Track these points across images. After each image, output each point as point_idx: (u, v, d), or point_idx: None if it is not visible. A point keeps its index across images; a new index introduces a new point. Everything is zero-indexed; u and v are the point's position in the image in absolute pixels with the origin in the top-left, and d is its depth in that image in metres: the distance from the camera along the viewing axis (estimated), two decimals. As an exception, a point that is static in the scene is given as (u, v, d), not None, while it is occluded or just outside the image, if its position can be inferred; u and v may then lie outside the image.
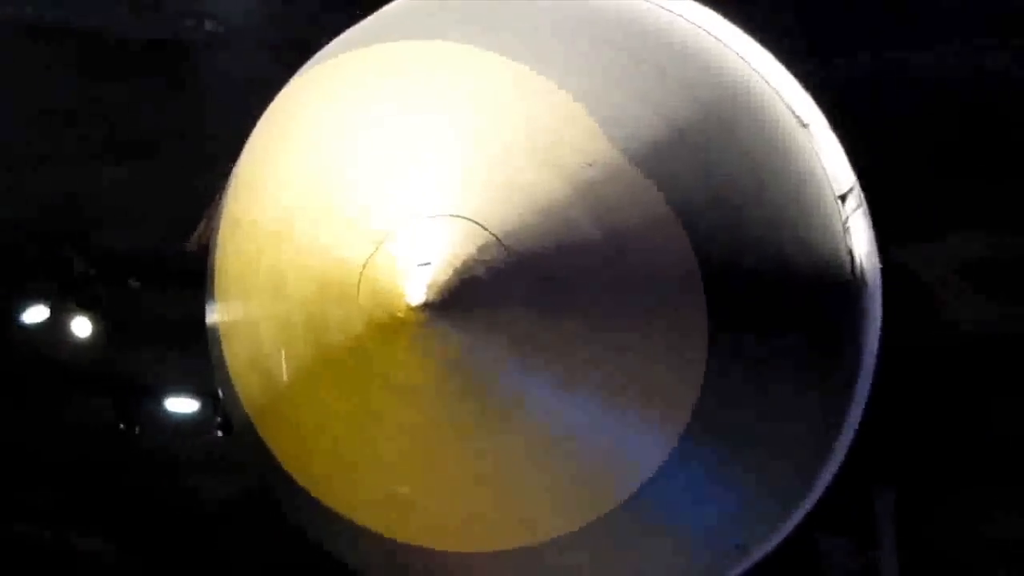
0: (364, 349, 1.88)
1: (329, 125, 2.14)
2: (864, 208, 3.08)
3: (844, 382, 2.50)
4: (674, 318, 1.98)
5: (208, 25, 6.36)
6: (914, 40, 6.45)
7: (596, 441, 2.01)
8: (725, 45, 2.51)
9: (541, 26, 2.25)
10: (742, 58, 2.51)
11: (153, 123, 6.31)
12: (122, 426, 7.59)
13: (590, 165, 1.94)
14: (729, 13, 2.71)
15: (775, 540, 2.92)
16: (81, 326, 7.14)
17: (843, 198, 2.54)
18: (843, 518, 6.77)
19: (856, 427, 3.09)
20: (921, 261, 6.89)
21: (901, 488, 6.58)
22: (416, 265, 1.79)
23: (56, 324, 7.20)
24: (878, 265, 3.05)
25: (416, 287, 1.79)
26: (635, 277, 1.94)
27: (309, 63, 2.44)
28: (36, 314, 7.18)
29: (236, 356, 2.22)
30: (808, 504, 2.96)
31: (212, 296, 2.29)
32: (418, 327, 1.78)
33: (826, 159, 2.53)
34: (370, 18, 2.45)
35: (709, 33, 2.51)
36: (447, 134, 1.99)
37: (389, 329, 1.80)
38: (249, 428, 2.25)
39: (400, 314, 1.80)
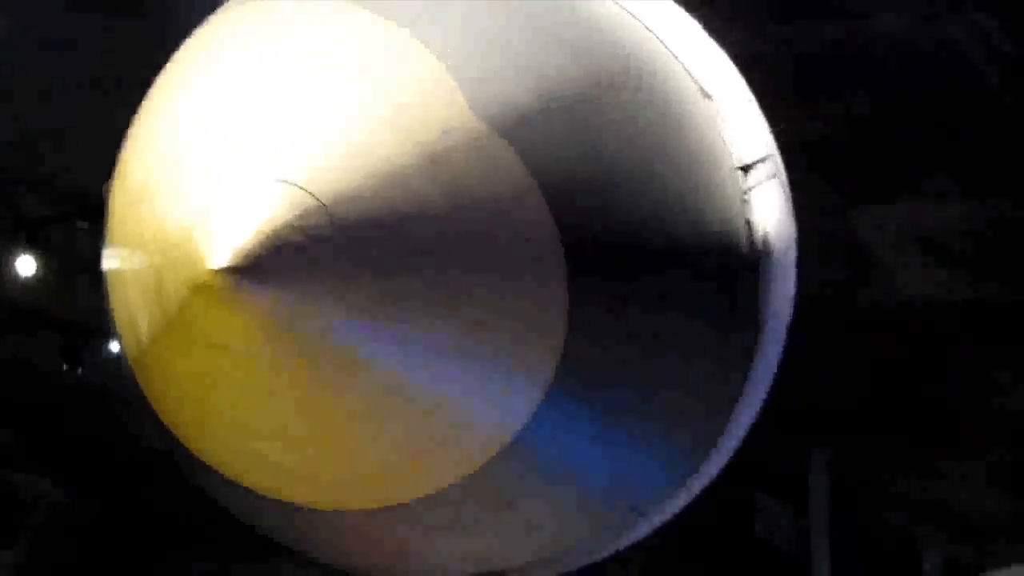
0: (188, 312, 1.92)
1: (195, 84, 2.17)
2: (781, 178, 3.13)
3: (742, 347, 2.54)
4: (530, 284, 2.02)
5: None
6: (875, 5, 6.50)
7: (452, 399, 2.04)
8: (628, 13, 2.53)
9: None
10: (645, 27, 2.52)
11: (124, 60, 6.34)
12: (66, 366, 7.62)
13: (445, 132, 1.96)
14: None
15: (677, 505, 2.98)
16: (27, 265, 7.15)
17: (746, 169, 2.57)
18: (779, 479, 6.86)
19: (765, 392, 3.16)
20: (873, 226, 6.95)
21: (836, 450, 6.66)
22: (226, 229, 1.81)
23: (1, 262, 7.21)
24: (792, 234, 3.10)
25: (221, 251, 1.81)
26: (485, 244, 1.96)
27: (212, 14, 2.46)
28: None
29: (116, 310, 2.26)
30: (712, 469, 3.02)
31: (103, 246, 2.33)
32: (222, 290, 1.80)
33: (729, 130, 2.55)
34: None
35: (621, 6, 2.53)
36: (297, 97, 2.01)
37: (200, 292, 1.84)
38: (134, 382, 2.30)
39: (205, 278, 1.83)
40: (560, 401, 2.11)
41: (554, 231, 2.01)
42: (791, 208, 3.21)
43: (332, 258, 1.83)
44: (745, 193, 2.55)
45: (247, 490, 2.31)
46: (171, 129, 2.08)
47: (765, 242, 2.67)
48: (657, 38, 2.53)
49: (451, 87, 2.01)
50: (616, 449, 2.34)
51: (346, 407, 1.99)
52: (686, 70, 2.54)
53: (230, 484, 2.33)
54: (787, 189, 3.18)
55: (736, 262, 2.46)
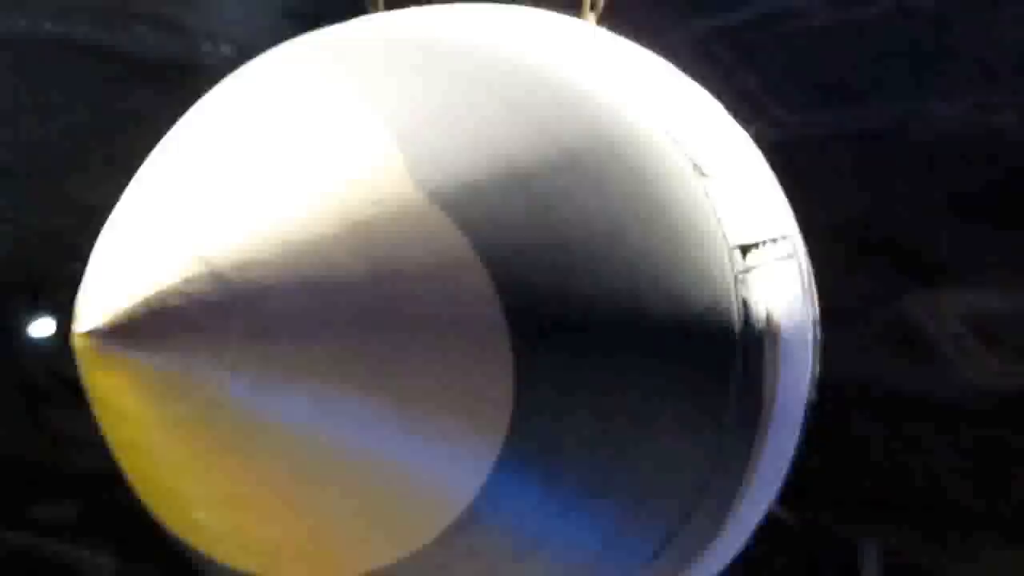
0: (86, 379, 1.93)
1: (156, 151, 2.21)
2: (799, 260, 3.13)
3: (736, 429, 2.52)
4: (467, 357, 2.01)
5: (225, 49, 6.49)
6: (932, 91, 6.50)
7: (386, 472, 2.03)
8: (617, 85, 2.53)
9: (389, 55, 2.28)
10: (635, 100, 2.52)
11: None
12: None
13: (375, 202, 1.96)
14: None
15: None
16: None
17: (745, 249, 2.56)
18: (829, 569, 6.79)
19: (780, 475, 3.14)
20: (928, 312, 6.89)
21: (889, 540, 6.58)
22: (103, 293, 1.81)
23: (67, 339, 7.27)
24: (808, 316, 3.09)
25: (90, 314, 1.80)
26: (413, 314, 1.96)
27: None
28: (45, 328, 7.25)
29: None
30: (722, 554, 3.00)
31: None
32: (93, 353, 1.80)
33: (727, 209, 2.54)
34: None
35: (604, 74, 2.53)
36: (222, 159, 2.03)
37: (81, 355, 1.84)
38: None
39: (77, 341, 1.81)
40: (511, 475, 2.09)
41: (497, 304, 2.00)
42: (810, 291, 3.21)
43: (220, 324, 1.81)
44: (742, 273, 2.53)
45: (208, 559, 2.32)
46: (126, 194, 2.11)
47: (769, 323, 2.64)
48: (648, 113, 2.53)
49: (394, 157, 2.01)
50: (582, 527, 2.32)
51: (256, 475, 1.98)
52: (678, 145, 2.53)
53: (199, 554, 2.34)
54: (806, 272, 3.18)
55: (723, 342, 2.44)
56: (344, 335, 1.88)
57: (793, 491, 6.23)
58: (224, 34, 6.55)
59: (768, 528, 6.13)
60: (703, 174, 2.54)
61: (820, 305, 6.32)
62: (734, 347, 2.45)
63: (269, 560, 2.23)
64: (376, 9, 3.54)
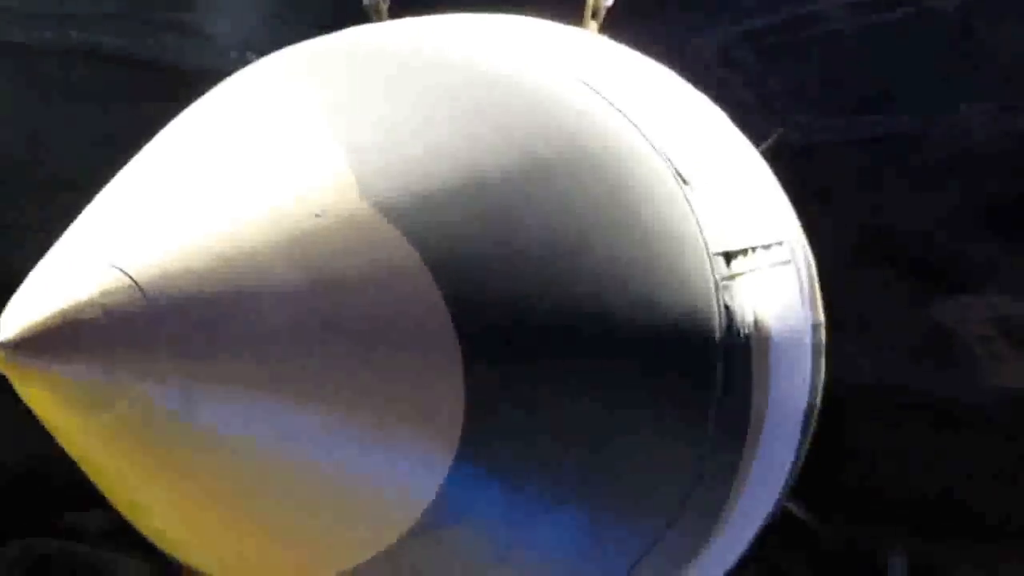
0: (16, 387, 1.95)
1: (137, 158, 2.24)
2: (798, 266, 3.14)
3: (721, 434, 2.53)
4: (414, 365, 2.03)
5: (252, 57, 6.55)
6: (956, 96, 6.48)
7: (336, 480, 2.05)
8: (595, 93, 2.54)
9: (363, 68, 2.31)
10: (614, 109, 2.54)
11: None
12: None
13: (317, 215, 1.98)
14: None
15: None
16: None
17: (730, 255, 2.57)
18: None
19: (780, 479, 3.15)
20: (958, 317, 6.87)
21: (918, 552, 6.56)
22: (21, 307, 1.83)
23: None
24: (806, 321, 3.10)
25: (6, 327, 1.82)
26: (356, 324, 1.98)
27: None
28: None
29: None
30: (716, 563, 3.01)
31: None
32: (10, 366, 1.82)
33: (711, 216, 2.56)
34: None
35: (589, 84, 2.55)
36: (175, 175, 2.06)
37: (4, 368, 1.86)
38: None
39: None
40: (468, 481, 2.12)
41: (444, 314, 2.02)
42: (811, 296, 3.22)
43: (143, 335, 1.82)
44: (726, 280, 2.54)
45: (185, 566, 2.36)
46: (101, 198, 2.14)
47: (758, 329, 2.65)
48: (630, 122, 2.55)
49: (343, 170, 2.04)
50: (553, 536, 2.33)
51: (199, 486, 2.00)
52: (661, 154, 2.55)
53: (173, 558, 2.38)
54: (806, 277, 3.19)
55: (702, 349, 2.45)
56: (278, 345, 1.90)
57: (819, 498, 6.22)
58: (252, 44, 6.60)
59: (794, 536, 6.13)
60: (685, 182, 2.55)
61: (846, 312, 6.30)
62: (714, 354, 2.46)
63: (232, 566, 2.25)
64: (380, 18, 3.57)
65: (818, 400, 3.43)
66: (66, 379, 1.82)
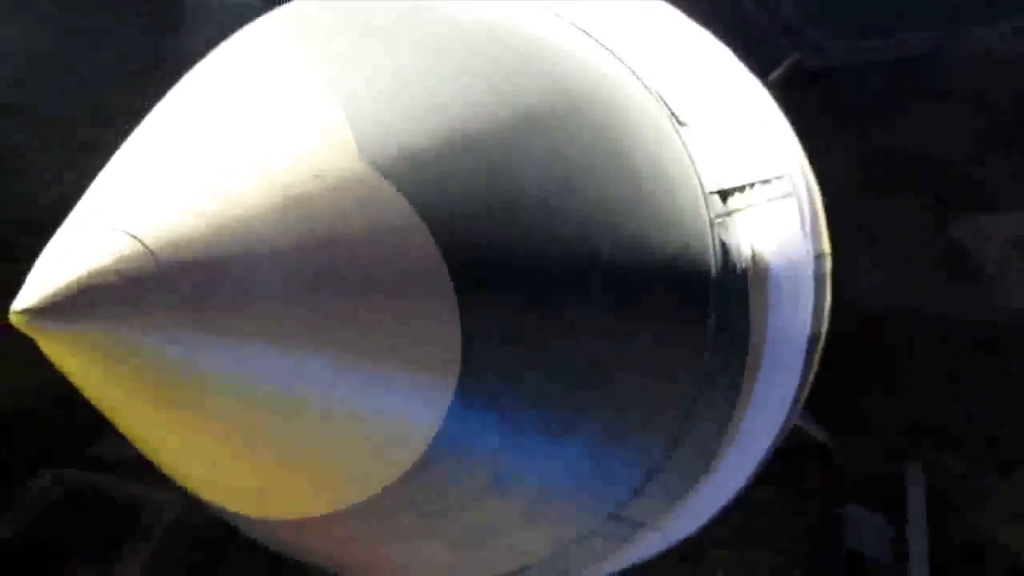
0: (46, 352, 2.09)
1: (140, 127, 2.35)
2: (800, 198, 3.23)
3: (717, 364, 2.63)
4: (410, 305, 2.16)
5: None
6: (970, 16, 6.52)
7: (343, 416, 2.18)
8: (596, 43, 2.64)
9: (361, 24, 2.41)
10: (608, 53, 2.63)
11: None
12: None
13: (316, 176, 2.11)
14: None
15: (691, 516, 3.10)
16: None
17: (725, 193, 2.67)
18: (872, 492, 6.87)
19: (787, 404, 3.26)
20: (975, 236, 6.94)
21: (934, 462, 6.66)
22: (40, 276, 1.97)
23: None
24: (808, 252, 3.19)
25: (27, 295, 1.96)
26: (354, 273, 2.11)
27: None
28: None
29: None
30: (727, 483, 3.13)
31: None
32: (32, 329, 1.96)
33: (707, 155, 2.65)
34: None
35: (582, 30, 2.64)
36: (179, 143, 2.18)
37: (28, 332, 2.00)
38: None
39: (14, 318, 2.01)
40: (468, 417, 2.25)
41: (439, 261, 2.15)
42: (815, 226, 3.31)
43: (153, 296, 1.96)
44: (721, 217, 2.64)
45: (206, 501, 2.50)
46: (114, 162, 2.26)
47: (756, 263, 2.75)
48: (624, 65, 2.64)
49: (341, 131, 2.16)
50: (553, 465, 2.46)
51: (207, 427, 2.14)
52: (655, 96, 2.64)
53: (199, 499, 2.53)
54: (809, 207, 3.28)
55: (696, 285, 2.55)
56: (275, 299, 2.03)
57: (838, 416, 6.33)
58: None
59: (812, 454, 6.23)
60: (680, 123, 2.64)
61: (864, 234, 6.37)
62: (708, 289, 2.56)
63: (246, 500, 2.39)
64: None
65: (824, 328, 3.52)
66: (84, 339, 1.96)
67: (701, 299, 2.60)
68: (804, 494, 6.95)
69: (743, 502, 6.60)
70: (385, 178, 2.18)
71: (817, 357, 3.52)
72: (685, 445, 2.70)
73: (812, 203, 3.40)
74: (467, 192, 2.24)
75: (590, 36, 2.66)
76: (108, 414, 2.21)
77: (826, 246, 3.49)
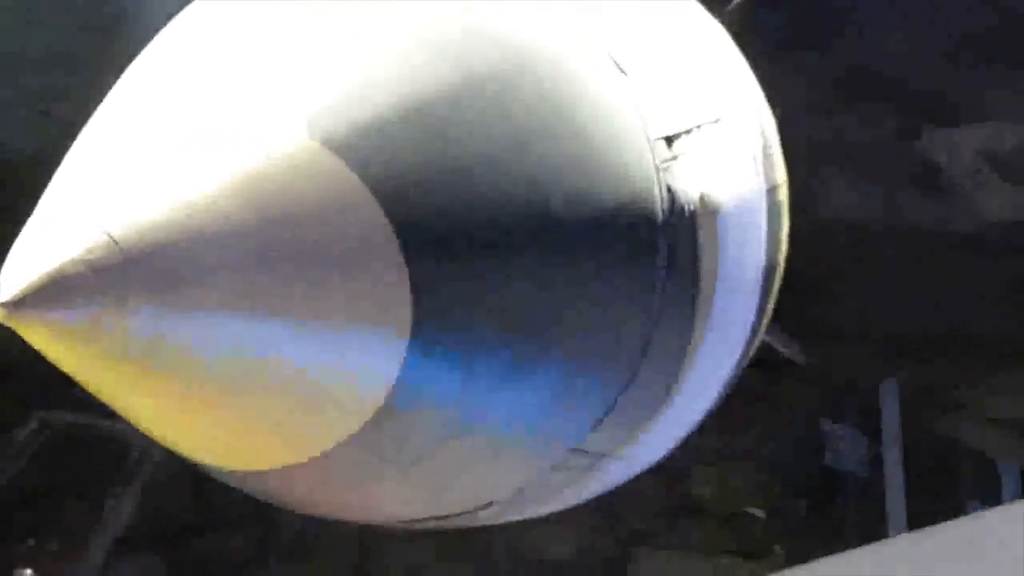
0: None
1: (95, 114, 2.50)
2: (751, 133, 3.37)
3: (669, 302, 2.79)
4: (362, 267, 2.33)
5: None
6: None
7: (302, 374, 2.36)
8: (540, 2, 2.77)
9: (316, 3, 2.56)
10: (557, 12, 2.76)
11: None
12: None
13: (267, 156, 2.27)
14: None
15: (655, 445, 3.27)
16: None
17: (671, 138, 2.81)
18: (847, 407, 7.05)
19: (740, 339, 3.43)
20: (945, 149, 7.07)
21: (908, 376, 6.82)
22: (13, 270, 2.14)
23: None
24: (760, 186, 3.35)
25: (3, 290, 2.15)
26: (307, 245, 2.28)
27: None
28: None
29: None
30: (686, 412, 3.31)
31: None
32: (11, 321, 2.15)
33: (649, 103, 2.79)
34: None
35: None
36: (136, 131, 2.33)
37: (8, 324, 2.17)
38: None
39: None
40: (423, 366, 2.43)
41: (387, 227, 2.31)
42: (768, 159, 3.45)
43: (119, 282, 2.13)
44: (667, 162, 2.78)
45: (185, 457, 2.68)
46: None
47: (704, 204, 2.90)
48: (564, 18, 2.78)
49: (293, 112, 2.32)
50: (513, 404, 2.63)
51: (174, 392, 2.31)
52: (597, 48, 2.79)
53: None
54: (760, 141, 3.42)
55: (643, 230, 2.71)
56: (232, 274, 2.20)
57: (810, 331, 6.48)
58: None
59: (785, 370, 6.39)
60: (623, 72, 2.78)
61: (835, 149, 6.50)
62: (656, 232, 2.71)
63: (218, 456, 2.58)
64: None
65: (781, 255, 3.66)
66: (57, 325, 2.13)
67: (648, 242, 2.75)
68: (783, 410, 7.13)
69: (723, 420, 6.80)
70: (334, 153, 2.33)
71: (776, 284, 3.68)
72: (642, 377, 2.87)
73: (764, 136, 3.53)
74: (413, 160, 2.39)
75: None
76: (92, 390, 2.38)
77: (780, 176, 3.63)
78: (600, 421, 2.87)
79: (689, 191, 2.87)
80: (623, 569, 7.30)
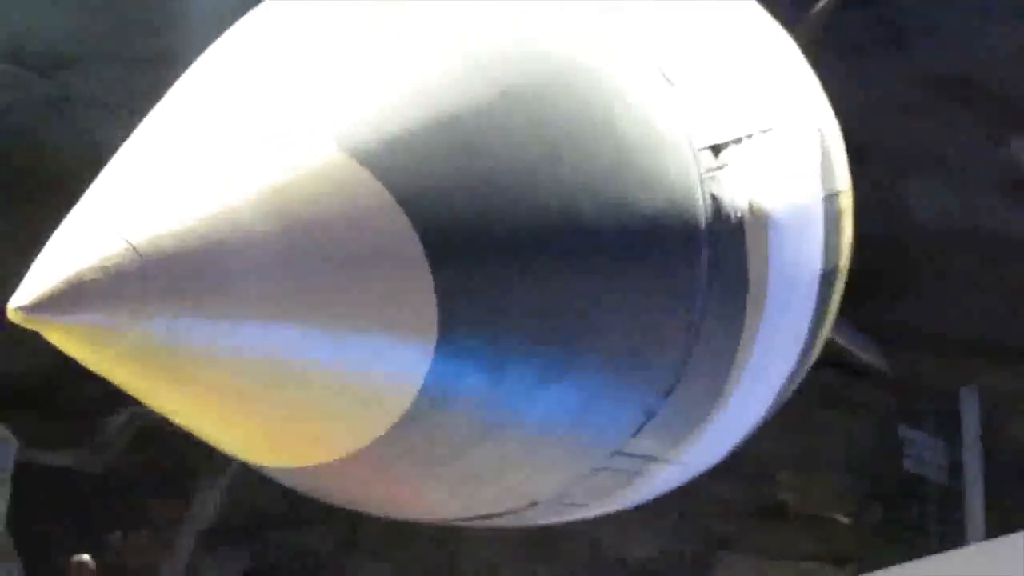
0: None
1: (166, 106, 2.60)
2: (809, 143, 3.40)
3: (712, 309, 2.86)
4: (388, 275, 2.40)
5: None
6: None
7: (329, 378, 2.43)
8: (588, 11, 2.83)
9: (356, 14, 2.64)
10: (607, 22, 2.82)
11: None
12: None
13: (292, 168, 2.35)
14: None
15: (706, 449, 3.32)
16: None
17: (719, 147, 2.86)
18: (927, 413, 7.03)
19: (796, 345, 3.46)
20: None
21: (989, 383, 6.80)
22: (38, 274, 2.23)
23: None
24: (816, 194, 3.38)
25: (22, 293, 2.23)
26: (331, 251, 2.35)
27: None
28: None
29: None
30: (740, 416, 3.35)
31: None
32: (29, 322, 2.22)
33: (696, 113, 2.84)
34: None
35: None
36: (165, 142, 2.42)
37: (26, 326, 2.26)
38: None
39: (11, 314, 2.23)
40: (450, 371, 2.49)
41: (412, 235, 2.38)
42: (827, 166, 3.48)
43: (138, 288, 2.21)
44: (712, 171, 2.83)
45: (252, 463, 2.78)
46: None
47: (753, 212, 2.94)
48: (617, 31, 2.84)
49: (322, 125, 2.40)
50: (543, 409, 2.69)
51: (195, 393, 2.39)
52: (647, 57, 2.85)
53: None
54: (820, 149, 3.45)
55: (683, 238, 2.75)
56: (254, 280, 2.28)
57: (892, 336, 6.46)
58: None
59: (865, 374, 6.37)
60: (669, 82, 2.82)
61: (923, 153, 6.46)
62: (697, 239, 2.76)
63: (252, 454, 2.66)
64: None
65: (842, 262, 3.68)
66: (75, 329, 2.22)
67: (688, 250, 2.79)
68: (862, 415, 7.12)
69: (804, 424, 6.81)
70: (361, 164, 2.40)
71: (836, 290, 3.71)
72: (686, 382, 2.91)
73: (825, 143, 3.56)
74: (441, 170, 2.46)
75: (586, 5, 2.85)
76: (120, 388, 2.48)
77: (842, 183, 3.66)
78: (642, 426, 2.92)
79: (736, 199, 2.91)
80: (705, 573, 7.32)
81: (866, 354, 6.52)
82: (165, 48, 6.31)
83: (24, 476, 6.12)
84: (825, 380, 6.67)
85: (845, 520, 7.14)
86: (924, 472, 6.83)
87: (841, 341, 6.24)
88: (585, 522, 3.67)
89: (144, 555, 7.75)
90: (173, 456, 7.43)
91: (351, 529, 7.45)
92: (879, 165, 6.83)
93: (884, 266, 6.84)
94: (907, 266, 6.94)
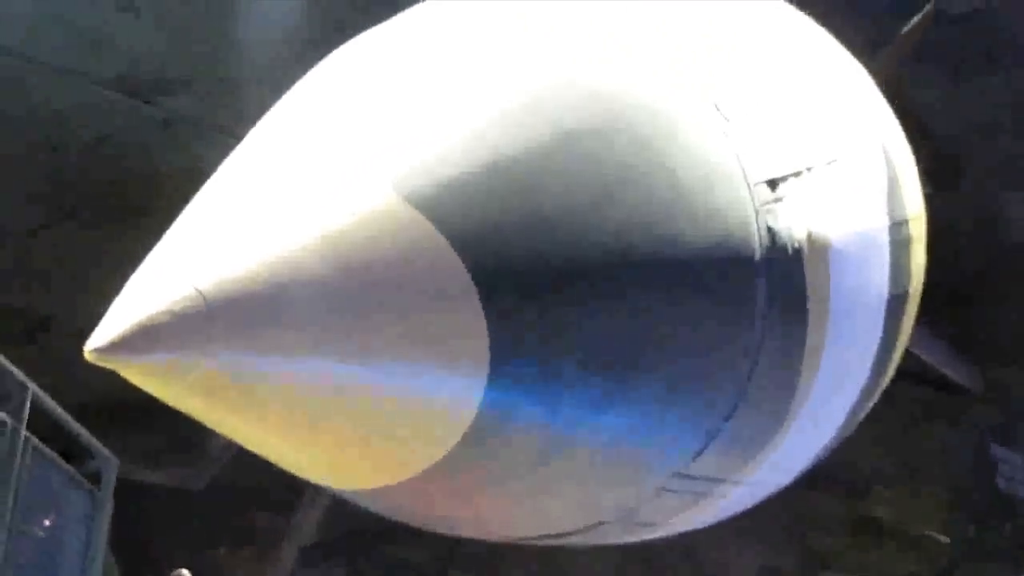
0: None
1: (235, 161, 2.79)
2: (874, 173, 3.50)
3: (771, 337, 2.97)
4: (441, 311, 2.56)
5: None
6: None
7: (388, 408, 2.60)
8: (644, 50, 2.95)
9: (416, 58, 2.83)
10: (662, 58, 2.95)
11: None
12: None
13: (351, 214, 2.52)
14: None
15: (774, 472, 3.44)
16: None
17: (775, 182, 2.98)
18: (1020, 432, 7.06)
19: (862, 368, 3.56)
20: None
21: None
22: (113, 320, 2.42)
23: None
24: (881, 223, 3.48)
25: (97, 336, 2.42)
26: (378, 299, 2.53)
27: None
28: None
29: None
30: (807, 440, 3.47)
31: None
32: (104, 362, 2.41)
33: (752, 147, 2.96)
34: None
35: (633, 39, 2.96)
36: (233, 194, 2.60)
37: (102, 365, 2.45)
38: None
39: (88, 356, 2.42)
40: (503, 401, 2.64)
41: (466, 277, 2.53)
42: (894, 195, 3.57)
43: (203, 329, 2.40)
44: (769, 204, 2.95)
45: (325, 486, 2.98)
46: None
47: (812, 242, 3.05)
48: (673, 68, 2.97)
49: (380, 171, 2.56)
50: (599, 435, 2.83)
51: (260, 421, 2.58)
52: (702, 93, 2.98)
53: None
54: (887, 178, 3.54)
55: (738, 270, 2.88)
56: (311, 319, 2.46)
57: (985, 354, 6.50)
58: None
59: (958, 394, 6.41)
60: (726, 119, 2.95)
61: (1018, 170, 6.48)
62: (754, 271, 2.88)
63: (320, 477, 2.85)
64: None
65: (911, 287, 3.75)
66: (145, 366, 2.42)
67: (744, 278, 2.91)
68: (955, 434, 7.16)
69: (898, 442, 6.86)
70: (414, 207, 2.57)
71: (907, 315, 3.78)
72: (746, 406, 3.01)
73: (892, 171, 3.63)
74: (494, 211, 2.61)
75: (642, 43, 2.99)
76: (194, 417, 2.67)
77: (912, 210, 3.72)
78: (703, 448, 3.04)
79: (794, 230, 3.00)
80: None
81: (956, 372, 6.56)
82: (264, 69, 6.54)
83: (127, 493, 6.30)
84: (923, 396, 6.74)
85: (942, 539, 7.17)
86: (1016, 491, 6.86)
87: (931, 360, 6.31)
88: (684, 536, 3.79)
89: (248, 570, 7.95)
90: (275, 472, 7.63)
91: (451, 545, 7.59)
92: (975, 180, 6.88)
93: (978, 282, 6.89)
94: (1001, 282, 6.98)
